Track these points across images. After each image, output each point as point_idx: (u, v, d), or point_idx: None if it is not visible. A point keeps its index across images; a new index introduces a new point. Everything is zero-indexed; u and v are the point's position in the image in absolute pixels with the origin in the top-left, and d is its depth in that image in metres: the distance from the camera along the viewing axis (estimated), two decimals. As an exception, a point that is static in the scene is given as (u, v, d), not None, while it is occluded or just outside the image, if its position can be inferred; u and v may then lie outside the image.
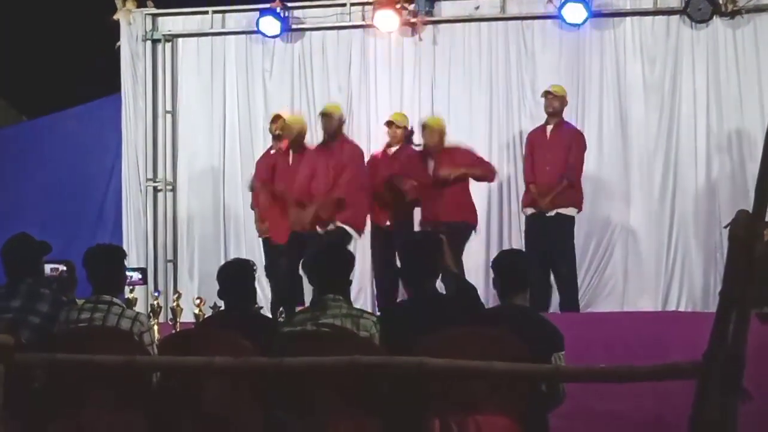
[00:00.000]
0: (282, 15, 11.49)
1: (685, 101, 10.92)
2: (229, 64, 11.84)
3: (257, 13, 11.54)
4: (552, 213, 9.97)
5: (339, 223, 9.71)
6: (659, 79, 11.00)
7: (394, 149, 10.23)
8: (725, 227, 3.74)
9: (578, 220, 10.36)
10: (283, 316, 7.16)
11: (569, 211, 10.05)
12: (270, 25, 11.46)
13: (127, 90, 11.96)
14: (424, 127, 10.07)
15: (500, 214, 11.10)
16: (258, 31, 11.53)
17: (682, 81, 10.94)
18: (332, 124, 9.92)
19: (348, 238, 9.70)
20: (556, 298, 10.27)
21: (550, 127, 10.18)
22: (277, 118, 10.42)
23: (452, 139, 10.64)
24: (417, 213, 10.12)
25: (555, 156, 10.05)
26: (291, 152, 10.08)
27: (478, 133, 11.18)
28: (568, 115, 10.96)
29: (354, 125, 11.42)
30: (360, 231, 9.88)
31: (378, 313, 6.04)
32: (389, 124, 10.25)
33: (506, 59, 11.31)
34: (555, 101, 10.15)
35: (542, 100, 10.78)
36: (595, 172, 10.93)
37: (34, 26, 13.70)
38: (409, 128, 10.30)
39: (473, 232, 10.05)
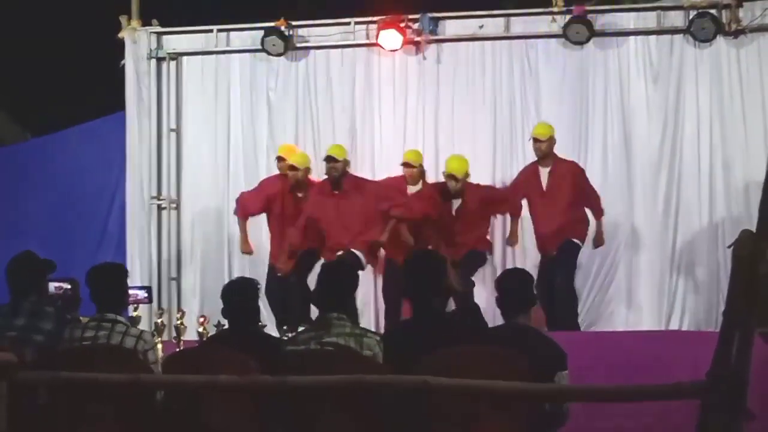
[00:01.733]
0: (287, 33, 11.51)
1: (688, 120, 10.92)
2: (233, 82, 11.84)
3: (262, 31, 11.56)
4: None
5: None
6: (663, 98, 11.00)
7: (416, 188, 10.32)
8: (729, 247, 3.74)
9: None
10: (287, 334, 7.16)
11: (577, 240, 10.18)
12: (275, 43, 11.48)
13: (131, 108, 11.95)
14: (451, 176, 10.14)
15: (503, 231, 11.07)
16: (263, 50, 11.56)
17: (685, 100, 10.94)
18: (338, 169, 10.08)
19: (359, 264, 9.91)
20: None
21: (545, 172, 10.23)
22: (281, 158, 10.60)
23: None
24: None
25: (557, 204, 10.14)
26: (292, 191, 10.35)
27: (482, 151, 11.18)
28: (571, 133, 11.02)
29: (358, 144, 11.44)
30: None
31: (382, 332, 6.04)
32: (406, 165, 10.29)
33: (510, 78, 11.32)
34: (542, 145, 10.19)
35: (547, 119, 10.85)
36: (598, 191, 10.92)
37: (40, 44, 13.75)
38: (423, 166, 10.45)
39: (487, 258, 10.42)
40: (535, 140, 10.23)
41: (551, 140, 10.22)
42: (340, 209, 10.04)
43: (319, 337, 5.43)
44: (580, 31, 10.93)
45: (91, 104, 12.95)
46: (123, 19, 11.95)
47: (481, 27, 11.41)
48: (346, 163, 10.22)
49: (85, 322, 5.95)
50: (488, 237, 10.55)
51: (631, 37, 11.15)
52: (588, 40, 10.97)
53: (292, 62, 11.72)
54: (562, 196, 10.16)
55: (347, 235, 9.98)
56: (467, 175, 10.24)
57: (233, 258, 11.56)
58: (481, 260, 10.36)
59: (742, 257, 3.61)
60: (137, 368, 5.37)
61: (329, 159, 10.10)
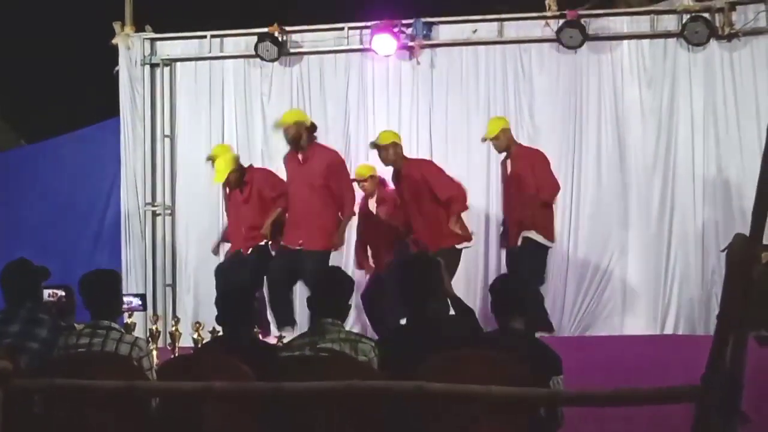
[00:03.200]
0: (280, 39, 11.53)
1: (682, 124, 10.94)
2: (227, 88, 11.86)
3: (255, 37, 11.57)
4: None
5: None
6: (657, 102, 11.03)
7: (373, 204, 10.37)
8: (722, 251, 3.74)
9: (578, 242, 10.42)
10: (283, 340, 7.17)
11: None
12: (268, 49, 11.49)
13: (125, 114, 11.98)
14: (377, 148, 9.92)
15: (498, 238, 11.08)
16: (256, 55, 11.56)
17: (679, 104, 10.97)
18: (289, 134, 9.96)
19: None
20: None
21: (508, 162, 10.19)
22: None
23: (451, 161, 10.73)
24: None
25: (516, 189, 10.05)
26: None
27: (476, 156, 11.18)
28: (564, 137, 11.04)
29: (352, 148, 11.46)
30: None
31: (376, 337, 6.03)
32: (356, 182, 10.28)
33: (504, 82, 11.34)
34: (496, 144, 10.14)
35: (541, 123, 10.88)
36: (593, 195, 10.97)
37: (34, 51, 13.74)
38: (377, 175, 10.37)
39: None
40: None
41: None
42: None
43: (314, 342, 5.42)
44: (573, 35, 10.95)
45: (86, 111, 12.96)
46: (116, 25, 11.98)
47: (474, 32, 11.43)
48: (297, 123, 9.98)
49: (80, 330, 5.93)
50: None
51: (625, 41, 11.18)
52: (581, 44, 10.99)
53: (285, 68, 11.75)
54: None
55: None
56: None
57: (228, 264, 11.54)
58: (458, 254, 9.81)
59: (736, 261, 3.61)
60: (132, 375, 5.35)
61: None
